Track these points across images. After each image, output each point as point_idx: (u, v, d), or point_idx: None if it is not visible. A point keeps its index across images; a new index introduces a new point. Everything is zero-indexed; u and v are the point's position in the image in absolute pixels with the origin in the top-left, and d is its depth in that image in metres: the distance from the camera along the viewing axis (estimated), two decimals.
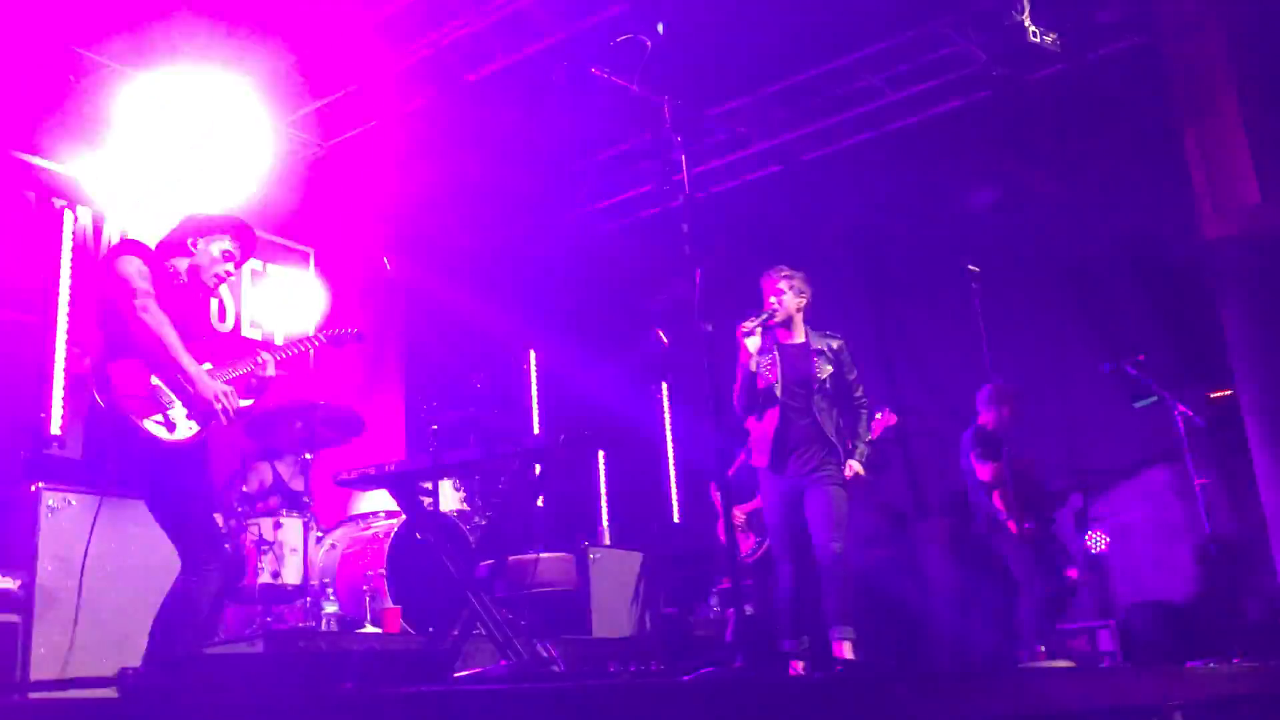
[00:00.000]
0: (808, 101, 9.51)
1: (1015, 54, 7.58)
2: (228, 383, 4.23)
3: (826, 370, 5.51)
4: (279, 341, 8.65)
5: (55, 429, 5.68)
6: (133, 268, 4.16)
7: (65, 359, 5.73)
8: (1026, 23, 7.17)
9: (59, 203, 5.98)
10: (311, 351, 4.93)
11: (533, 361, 9.84)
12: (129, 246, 4.35)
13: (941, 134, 9.12)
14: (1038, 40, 7.14)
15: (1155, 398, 6.94)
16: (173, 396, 4.00)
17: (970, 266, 5.66)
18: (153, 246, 4.38)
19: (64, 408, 5.75)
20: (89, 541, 4.23)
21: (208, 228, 4.45)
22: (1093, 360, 7.01)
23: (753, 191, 10.06)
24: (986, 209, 9.36)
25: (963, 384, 6.92)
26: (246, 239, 4.54)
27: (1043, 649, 5.98)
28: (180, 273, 4.36)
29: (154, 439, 3.90)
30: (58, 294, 5.88)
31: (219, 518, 3.98)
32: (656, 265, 10.26)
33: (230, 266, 4.46)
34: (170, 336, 4.05)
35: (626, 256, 11.03)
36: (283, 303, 8.96)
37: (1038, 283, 9.16)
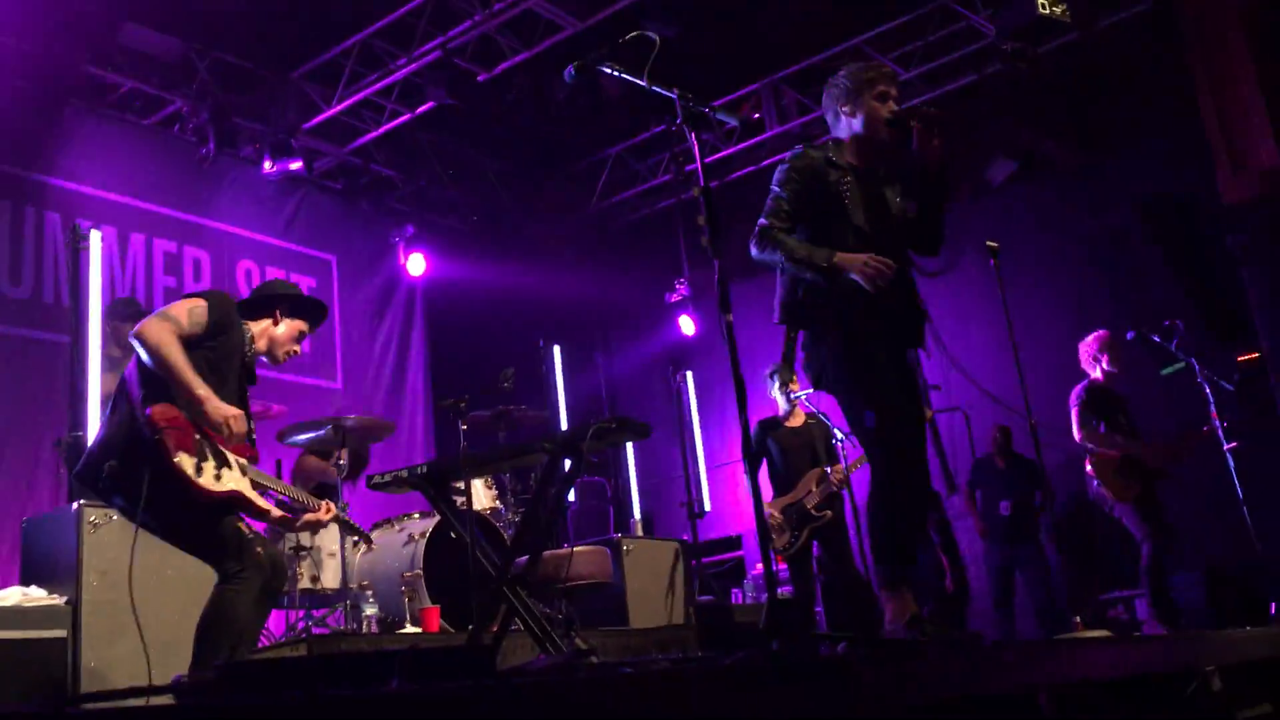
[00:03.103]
0: (820, 85, 9.50)
1: (1026, 26, 7.56)
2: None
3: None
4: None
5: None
6: (184, 306, 3.95)
7: (100, 377, 5.81)
8: None
9: (85, 223, 6.06)
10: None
11: (557, 356, 9.91)
12: (209, 296, 4.10)
13: (955, 110, 9.10)
14: (1047, 12, 7.12)
15: (1182, 364, 6.89)
16: (208, 452, 3.88)
17: (989, 242, 5.64)
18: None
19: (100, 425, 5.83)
20: (132, 554, 4.27)
21: (296, 307, 4.31)
22: (1117, 329, 6.97)
23: (770, 177, 10.09)
24: (1004, 182, 9.34)
25: (987, 359, 6.90)
26: (320, 321, 4.43)
27: (1079, 619, 5.97)
28: (254, 338, 4.19)
29: (182, 473, 3.75)
30: (88, 313, 5.95)
31: (245, 526, 3.99)
32: (676, 256, 10.30)
33: (299, 349, 4.34)
34: (176, 355, 3.77)
35: (646, 248, 11.08)
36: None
37: (1059, 254, 9.14)
